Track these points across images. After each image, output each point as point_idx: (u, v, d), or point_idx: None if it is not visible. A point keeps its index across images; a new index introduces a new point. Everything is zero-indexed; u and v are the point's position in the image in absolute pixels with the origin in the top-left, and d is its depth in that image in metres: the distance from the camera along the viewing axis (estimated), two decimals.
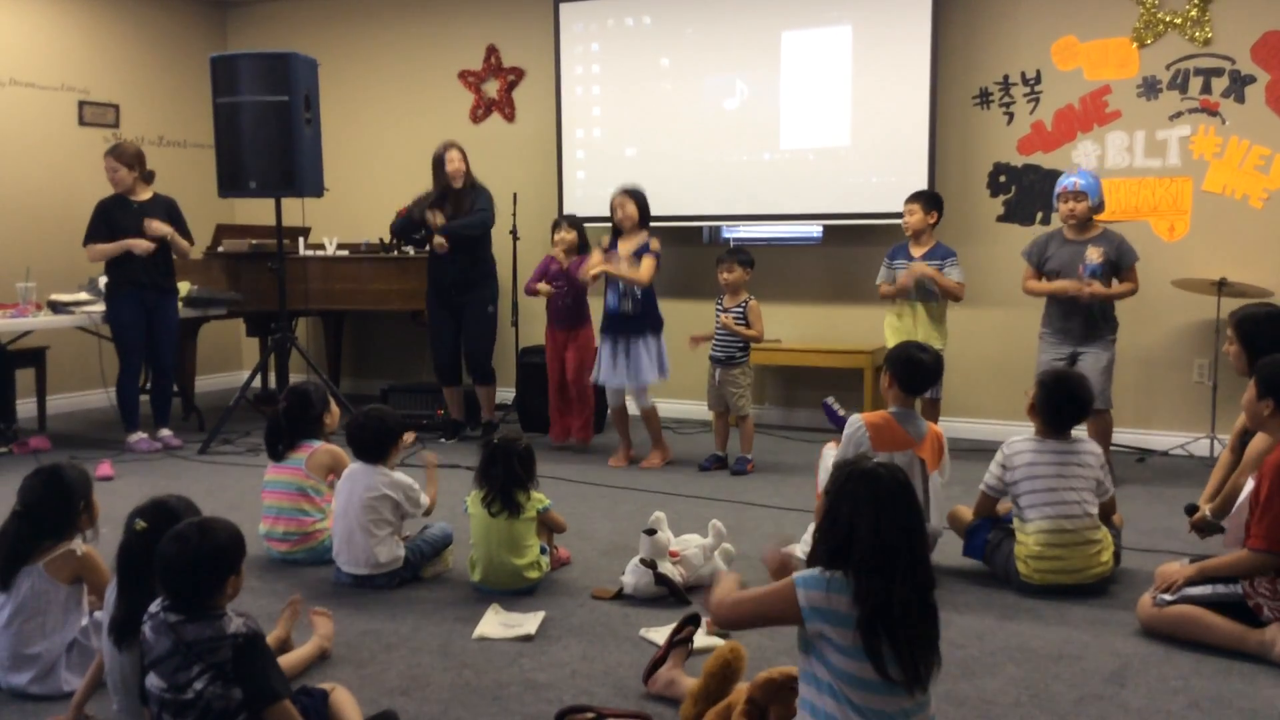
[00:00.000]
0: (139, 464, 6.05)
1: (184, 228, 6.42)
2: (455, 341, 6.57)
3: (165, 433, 6.54)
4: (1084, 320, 5.39)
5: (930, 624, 2.20)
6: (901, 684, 2.14)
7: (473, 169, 6.37)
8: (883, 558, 2.15)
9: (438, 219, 6.25)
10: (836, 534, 2.21)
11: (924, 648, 2.18)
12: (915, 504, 2.24)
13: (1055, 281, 5.41)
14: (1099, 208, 5.44)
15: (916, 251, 5.80)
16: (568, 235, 6.31)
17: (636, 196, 5.95)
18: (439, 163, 6.32)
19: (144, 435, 6.42)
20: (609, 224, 6.04)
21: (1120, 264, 5.38)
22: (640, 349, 5.92)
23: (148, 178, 6.39)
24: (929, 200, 5.86)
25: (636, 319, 5.91)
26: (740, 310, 5.77)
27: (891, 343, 5.55)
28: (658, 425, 6.11)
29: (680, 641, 3.03)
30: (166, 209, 6.37)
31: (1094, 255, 5.36)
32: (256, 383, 7.13)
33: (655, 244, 5.90)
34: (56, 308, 6.42)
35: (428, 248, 6.48)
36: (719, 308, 5.86)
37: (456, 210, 6.31)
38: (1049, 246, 5.52)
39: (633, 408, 6.12)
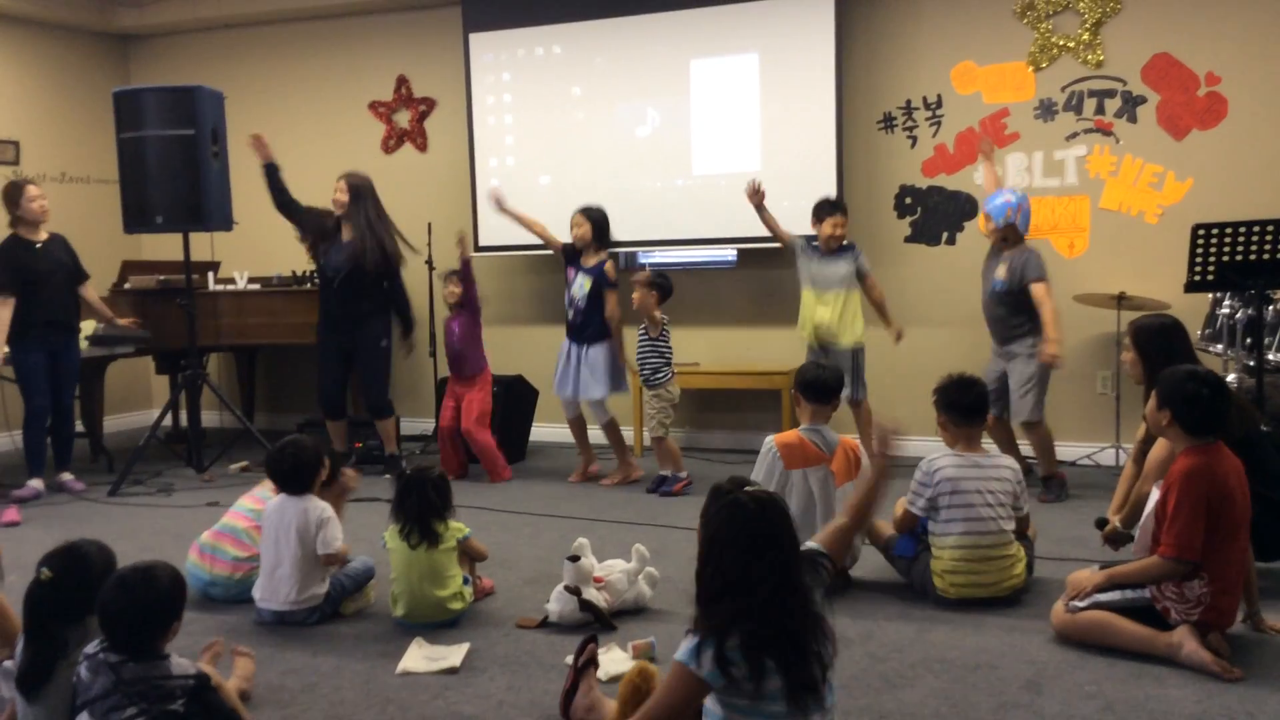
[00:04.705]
0: (47, 508, 5.87)
1: None
2: (341, 374, 6.44)
3: (66, 477, 6.31)
4: (993, 324, 5.65)
5: (810, 654, 2.20)
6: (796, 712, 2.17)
7: (386, 200, 6.31)
8: (751, 590, 2.16)
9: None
10: (715, 571, 2.21)
11: (808, 678, 2.17)
12: (786, 535, 2.23)
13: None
14: (1003, 228, 5.60)
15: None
16: (455, 289, 6.32)
17: (591, 216, 6.08)
18: None
19: (40, 483, 6.16)
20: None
21: (1013, 283, 5.49)
22: (584, 360, 6.01)
23: None
24: (843, 209, 6.05)
25: (581, 328, 6.02)
26: (664, 333, 5.89)
27: (806, 320, 5.93)
28: (616, 439, 6.19)
29: (585, 664, 3.00)
30: None
31: (1000, 272, 5.54)
32: (167, 421, 6.98)
33: (610, 269, 6.03)
34: None
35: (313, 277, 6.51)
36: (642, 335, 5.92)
37: (350, 240, 6.17)
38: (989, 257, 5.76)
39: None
